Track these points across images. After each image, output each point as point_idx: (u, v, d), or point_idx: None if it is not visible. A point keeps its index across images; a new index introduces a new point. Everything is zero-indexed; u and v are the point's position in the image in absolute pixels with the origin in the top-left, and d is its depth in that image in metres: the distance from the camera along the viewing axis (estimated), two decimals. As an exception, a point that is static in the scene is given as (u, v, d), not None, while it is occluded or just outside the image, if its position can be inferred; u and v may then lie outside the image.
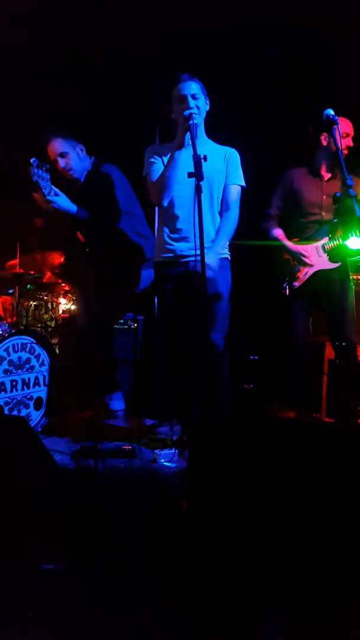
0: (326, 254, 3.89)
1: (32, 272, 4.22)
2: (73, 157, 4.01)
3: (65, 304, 4.55)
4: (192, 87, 3.42)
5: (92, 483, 3.07)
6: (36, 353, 3.83)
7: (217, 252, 3.46)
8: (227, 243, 3.57)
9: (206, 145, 3.56)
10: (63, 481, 2.80)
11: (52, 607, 1.94)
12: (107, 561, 2.21)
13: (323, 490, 2.07)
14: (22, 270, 4.10)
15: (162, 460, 3.38)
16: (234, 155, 3.61)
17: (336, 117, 3.20)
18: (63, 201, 3.70)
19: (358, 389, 3.90)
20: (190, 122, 3.20)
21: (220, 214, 3.58)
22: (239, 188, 3.60)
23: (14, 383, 3.69)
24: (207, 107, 3.50)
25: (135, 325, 4.45)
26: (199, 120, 3.45)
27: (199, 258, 2.99)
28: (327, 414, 4.17)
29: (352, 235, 3.71)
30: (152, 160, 3.54)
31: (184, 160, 3.31)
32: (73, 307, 4.56)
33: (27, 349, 3.79)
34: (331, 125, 3.21)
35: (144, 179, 3.60)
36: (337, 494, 2.06)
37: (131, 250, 4.02)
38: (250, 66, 4.75)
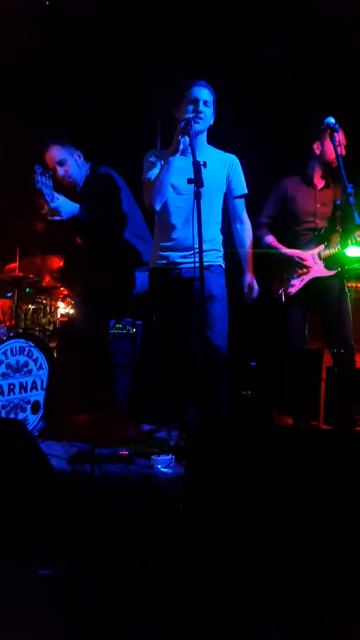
0: (322, 261, 3.90)
1: (31, 276, 4.21)
2: (71, 164, 4.00)
3: (63, 308, 4.54)
4: (207, 94, 3.44)
5: (88, 488, 3.08)
6: (34, 357, 3.84)
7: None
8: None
9: (207, 152, 3.54)
10: (61, 484, 2.80)
11: (52, 607, 1.94)
12: (107, 561, 2.22)
13: (321, 494, 2.08)
14: (21, 274, 4.09)
15: (159, 466, 3.38)
16: (236, 163, 3.62)
17: (337, 125, 3.20)
18: (65, 204, 3.69)
19: (355, 396, 3.90)
20: (190, 127, 3.19)
21: (230, 225, 3.65)
22: (244, 197, 3.65)
23: (12, 386, 3.70)
24: (212, 121, 3.52)
25: (134, 330, 4.44)
26: (202, 127, 3.47)
27: (196, 264, 3.01)
28: (325, 421, 4.18)
29: (351, 244, 3.70)
30: (151, 164, 3.53)
31: (184, 166, 3.29)
32: (71, 311, 4.55)
33: (25, 353, 3.80)
34: (332, 133, 3.24)
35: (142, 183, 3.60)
36: (334, 497, 2.07)
37: (129, 254, 4.01)
38: (251, 66, 4.73)
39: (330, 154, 3.91)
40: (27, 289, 4.37)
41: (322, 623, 1.88)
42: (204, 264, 3.32)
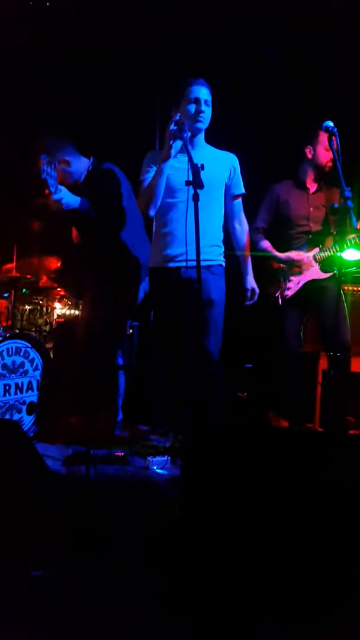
0: (318, 264, 3.90)
1: (28, 276, 4.20)
2: (71, 161, 3.98)
3: (60, 309, 4.53)
4: (207, 93, 3.43)
5: (84, 489, 3.07)
6: (30, 357, 3.83)
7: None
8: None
9: (205, 151, 3.53)
10: (57, 486, 2.80)
11: (51, 608, 1.95)
12: (105, 562, 2.22)
13: (317, 496, 2.09)
14: (18, 274, 4.09)
15: (155, 467, 3.38)
16: (236, 163, 3.61)
17: (335, 129, 3.20)
18: (67, 196, 3.65)
19: (349, 399, 3.89)
20: (183, 130, 3.17)
21: (227, 224, 3.63)
22: (242, 197, 3.66)
23: (7, 387, 3.69)
24: (210, 118, 3.50)
25: (131, 331, 4.44)
26: (203, 126, 3.47)
27: (193, 264, 3.00)
28: (321, 424, 4.19)
29: (347, 246, 3.69)
30: (148, 168, 3.51)
31: (183, 166, 3.28)
32: (68, 312, 4.54)
33: (22, 353, 3.78)
34: (330, 137, 3.23)
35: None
36: (331, 499, 2.08)
37: (132, 259, 3.98)
38: (250, 66, 4.72)
39: (323, 158, 3.94)
40: (24, 290, 4.37)
41: (322, 624, 1.89)
42: (205, 262, 3.32)
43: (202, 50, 4.59)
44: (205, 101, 3.42)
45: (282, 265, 3.98)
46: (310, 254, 3.93)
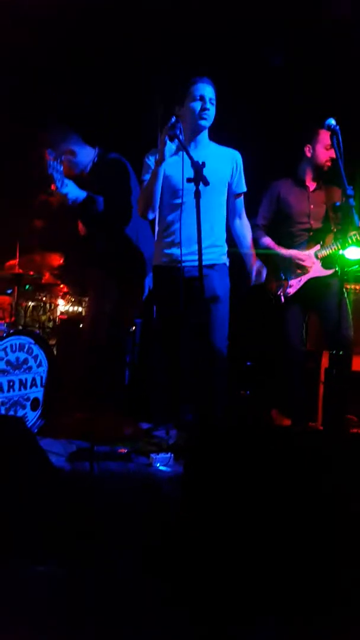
0: (319, 261, 3.91)
1: (31, 273, 4.21)
2: (77, 151, 3.98)
3: (63, 306, 4.54)
4: (211, 91, 3.46)
5: (87, 485, 3.08)
6: (34, 354, 3.84)
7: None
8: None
9: (208, 150, 3.55)
10: (60, 482, 2.80)
11: (52, 607, 1.95)
12: (106, 560, 2.22)
13: (318, 494, 2.09)
14: (21, 271, 4.09)
15: (158, 464, 3.39)
16: (239, 159, 3.64)
17: (338, 127, 3.22)
18: (73, 190, 3.66)
19: (351, 398, 3.91)
20: (177, 130, 3.19)
21: (229, 222, 3.65)
22: (244, 195, 3.68)
23: (11, 383, 3.70)
24: (214, 116, 3.53)
25: (134, 328, 4.44)
26: (207, 124, 3.49)
27: (197, 263, 3.01)
28: (323, 423, 4.21)
29: (349, 244, 3.71)
30: (149, 168, 3.51)
31: (186, 164, 3.29)
32: (71, 309, 4.55)
33: (25, 350, 3.79)
34: (332, 135, 3.27)
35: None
36: (332, 498, 2.09)
37: (137, 252, 3.99)
38: (251, 66, 4.73)
39: (322, 156, 3.98)
40: (27, 286, 4.37)
41: (323, 624, 1.89)
42: (209, 262, 3.36)
43: (202, 50, 4.59)
44: (210, 99, 3.44)
45: (283, 262, 3.99)
46: (311, 251, 3.96)
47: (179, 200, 3.47)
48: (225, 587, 1.99)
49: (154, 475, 3.27)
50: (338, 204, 3.49)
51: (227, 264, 3.60)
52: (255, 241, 3.98)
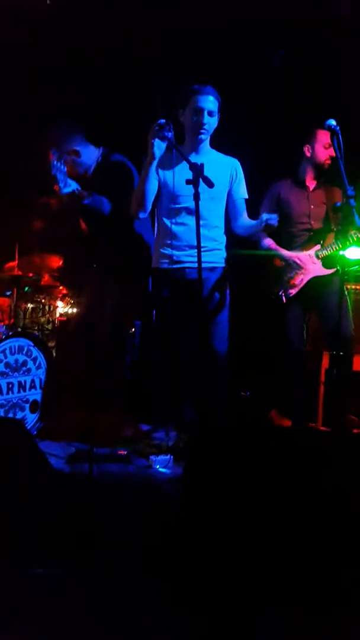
0: (320, 261, 3.91)
1: (30, 275, 4.21)
2: (80, 151, 3.97)
3: (62, 307, 4.54)
4: (212, 103, 3.44)
5: (87, 486, 3.07)
6: (33, 356, 3.83)
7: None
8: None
9: (209, 156, 3.55)
10: (59, 484, 2.80)
11: (52, 607, 1.95)
12: (106, 561, 2.23)
13: (319, 495, 2.09)
14: (20, 273, 4.09)
15: (158, 466, 3.38)
16: (239, 168, 3.65)
17: (338, 128, 3.23)
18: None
19: (353, 398, 3.91)
20: (165, 133, 3.22)
21: (232, 226, 3.67)
22: (245, 201, 3.68)
23: (10, 385, 3.69)
24: (217, 124, 3.53)
25: (133, 329, 4.44)
26: (205, 137, 3.51)
27: (196, 265, 3.01)
28: (324, 423, 4.20)
29: (350, 244, 3.71)
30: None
31: (182, 171, 3.29)
32: (70, 311, 4.55)
33: (24, 352, 3.79)
34: (332, 136, 3.27)
35: None
36: (333, 498, 2.09)
37: (141, 253, 3.98)
38: (250, 66, 4.73)
39: (321, 156, 3.99)
40: (26, 288, 4.37)
41: (324, 622, 1.90)
42: (209, 264, 3.36)
43: (202, 50, 4.59)
44: (210, 112, 3.44)
45: (285, 263, 3.99)
46: (312, 251, 3.95)
47: (178, 205, 3.48)
48: (226, 587, 1.99)
49: (154, 477, 3.26)
50: (338, 204, 3.50)
51: (226, 267, 3.60)
52: (257, 242, 4.01)
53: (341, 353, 3.81)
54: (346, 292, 3.95)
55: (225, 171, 3.58)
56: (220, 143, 3.65)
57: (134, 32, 4.72)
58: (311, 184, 4.09)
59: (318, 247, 3.94)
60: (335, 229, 3.90)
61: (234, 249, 3.67)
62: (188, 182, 3.05)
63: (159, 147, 3.33)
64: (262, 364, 4.52)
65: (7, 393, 3.67)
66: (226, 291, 3.57)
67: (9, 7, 4.64)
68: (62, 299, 4.54)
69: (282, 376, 4.11)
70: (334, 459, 2.19)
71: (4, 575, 2.08)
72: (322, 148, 3.97)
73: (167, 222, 3.53)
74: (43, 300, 4.44)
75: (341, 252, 3.78)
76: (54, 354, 4.17)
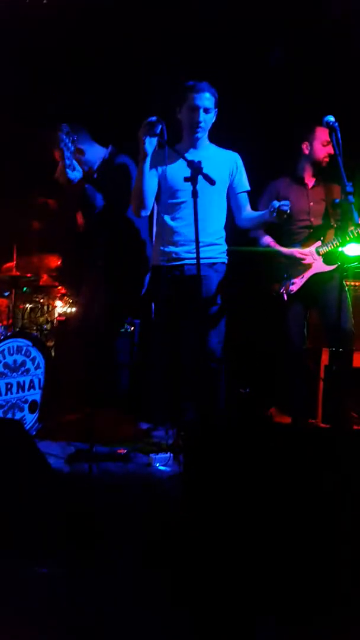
0: (321, 257, 3.91)
1: (28, 275, 4.20)
2: (85, 149, 3.97)
3: (61, 307, 4.54)
4: (208, 100, 3.43)
5: (86, 486, 3.07)
6: (32, 356, 3.83)
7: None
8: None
9: (208, 151, 3.55)
10: (59, 483, 2.80)
11: (52, 607, 1.95)
12: (106, 561, 2.23)
13: (319, 492, 2.09)
14: (18, 273, 4.08)
15: (157, 464, 3.39)
16: (239, 161, 3.64)
17: (337, 124, 3.22)
18: (79, 176, 3.65)
19: (353, 394, 3.91)
20: (155, 130, 3.21)
21: (235, 219, 3.67)
22: (247, 193, 3.68)
23: (9, 386, 3.69)
24: (214, 119, 3.52)
25: (132, 328, 4.44)
26: (202, 135, 3.50)
27: (195, 261, 3.01)
28: (324, 420, 4.19)
29: (349, 240, 3.71)
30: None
31: (181, 167, 3.29)
32: (69, 310, 4.55)
33: (23, 352, 3.78)
34: (331, 132, 3.26)
35: None
36: (333, 495, 2.08)
37: (138, 248, 3.98)
38: (250, 65, 4.73)
39: (319, 153, 3.99)
40: (25, 288, 4.37)
41: (322, 624, 1.89)
42: (207, 260, 3.35)
43: (202, 50, 4.59)
44: (206, 109, 3.43)
45: (285, 260, 3.99)
46: (312, 248, 3.94)
47: (177, 200, 3.47)
48: (226, 587, 1.98)
49: (154, 476, 3.26)
50: (337, 200, 3.50)
51: (226, 262, 3.59)
52: (256, 240, 4.01)
53: (341, 349, 3.81)
54: (346, 286, 3.96)
55: (225, 166, 3.58)
56: (219, 140, 3.65)
57: (134, 32, 4.72)
58: (310, 181, 4.09)
59: (319, 243, 3.93)
60: (335, 226, 3.90)
61: (233, 246, 3.66)
62: (186, 179, 3.05)
63: (150, 144, 3.32)
64: (262, 362, 4.52)
65: (6, 394, 3.66)
66: (222, 286, 3.55)
67: (8, 7, 4.64)
68: (60, 299, 4.54)
69: (282, 374, 4.11)
70: (334, 456, 2.19)
71: (4, 575, 2.08)
72: (321, 145, 3.98)
73: (167, 218, 3.53)
74: (42, 301, 4.45)
75: (340, 249, 3.78)
76: (53, 354, 4.16)
